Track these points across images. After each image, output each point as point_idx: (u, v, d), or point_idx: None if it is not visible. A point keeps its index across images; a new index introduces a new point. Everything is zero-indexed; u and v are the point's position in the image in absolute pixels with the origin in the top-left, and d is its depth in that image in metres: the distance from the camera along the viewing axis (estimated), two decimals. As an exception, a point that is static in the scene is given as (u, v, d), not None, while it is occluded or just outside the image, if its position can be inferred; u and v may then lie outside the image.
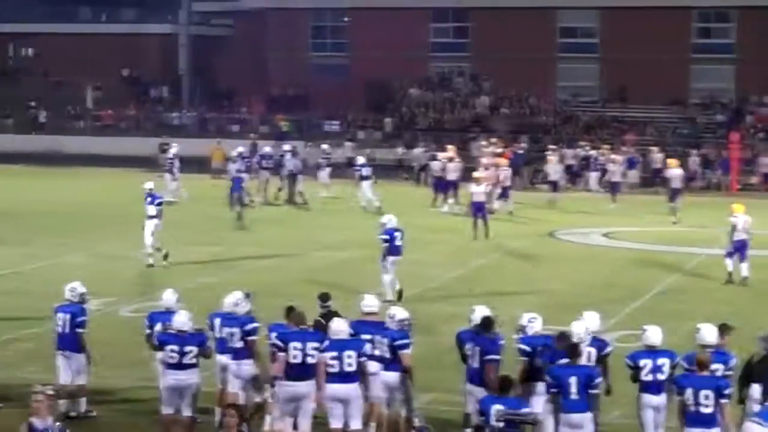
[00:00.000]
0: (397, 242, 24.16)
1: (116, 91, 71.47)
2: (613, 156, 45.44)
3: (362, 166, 40.40)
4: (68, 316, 16.19)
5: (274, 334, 14.59)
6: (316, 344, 14.29)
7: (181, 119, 66.95)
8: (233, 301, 15.64)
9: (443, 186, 40.86)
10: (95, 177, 41.35)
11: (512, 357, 14.68)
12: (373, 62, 64.68)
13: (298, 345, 14.27)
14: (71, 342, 16.15)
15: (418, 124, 60.86)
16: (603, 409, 15.08)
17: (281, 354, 14.31)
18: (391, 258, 24.11)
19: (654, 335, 14.22)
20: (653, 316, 20.74)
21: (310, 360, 14.23)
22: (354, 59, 68.24)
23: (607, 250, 31.91)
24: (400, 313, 15.03)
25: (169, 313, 15.66)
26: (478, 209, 33.30)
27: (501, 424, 12.77)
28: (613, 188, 43.16)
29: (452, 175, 40.55)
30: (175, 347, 14.71)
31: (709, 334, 14.10)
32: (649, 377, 13.93)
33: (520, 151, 50.01)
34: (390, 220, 24.51)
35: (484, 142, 49.12)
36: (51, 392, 11.91)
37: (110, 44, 72.92)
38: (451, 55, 67.41)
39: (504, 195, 39.45)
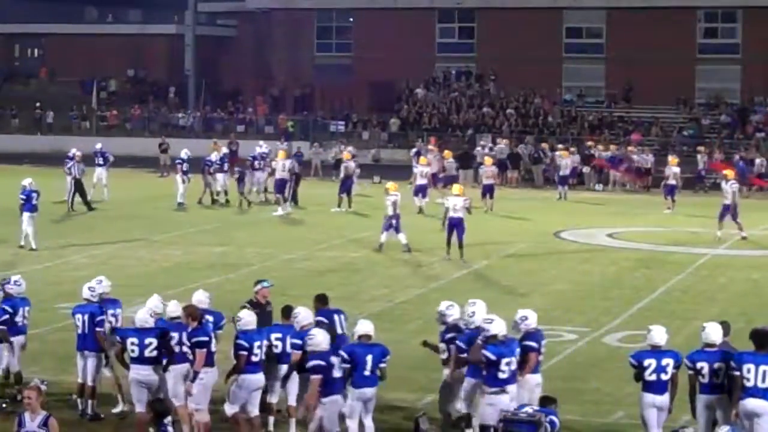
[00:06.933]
0: (34, 201, 29.42)
1: (122, 91, 71.66)
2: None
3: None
4: (87, 317, 16.20)
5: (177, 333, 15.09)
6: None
7: (186, 119, 66.89)
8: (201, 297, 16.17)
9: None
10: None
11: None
12: (378, 62, 64.67)
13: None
14: (91, 342, 16.20)
15: (424, 125, 60.75)
16: (605, 410, 15.07)
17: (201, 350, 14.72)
18: (27, 214, 29.18)
19: (659, 335, 14.24)
20: (658, 316, 20.72)
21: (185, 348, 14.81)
22: (359, 59, 68.22)
23: (612, 250, 31.84)
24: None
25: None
26: None
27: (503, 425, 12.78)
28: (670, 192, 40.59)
29: (281, 174, 38.53)
30: (135, 340, 14.93)
31: (714, 332, 14.17)
32: (653, 377, 13.96)
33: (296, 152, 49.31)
34: (29, 182, 29.73)
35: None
36: (43, 386, 12.02)
37: (116, 45, 72.99)
38: (456, 55, 67.37)
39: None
